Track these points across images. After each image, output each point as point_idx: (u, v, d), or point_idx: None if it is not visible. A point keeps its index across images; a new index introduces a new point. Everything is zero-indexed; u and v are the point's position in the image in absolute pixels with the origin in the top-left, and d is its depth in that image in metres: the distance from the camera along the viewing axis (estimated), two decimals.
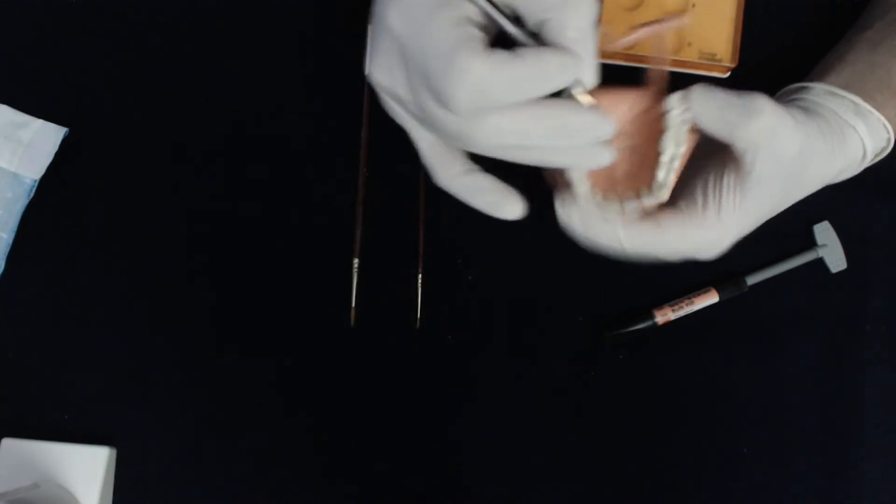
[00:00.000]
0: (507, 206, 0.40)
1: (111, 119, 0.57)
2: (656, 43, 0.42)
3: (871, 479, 0.53)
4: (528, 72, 0.35)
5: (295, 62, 0.57)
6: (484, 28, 0.37)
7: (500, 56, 0.35)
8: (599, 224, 0.40)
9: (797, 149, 0.40)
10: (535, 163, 0.39)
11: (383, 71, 0.39)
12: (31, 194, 0.55)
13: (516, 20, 0.38)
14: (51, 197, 0.56)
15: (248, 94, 0.57)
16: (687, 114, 0.40)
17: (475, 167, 0.41)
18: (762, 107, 0.38)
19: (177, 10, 0.57)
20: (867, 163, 0.47)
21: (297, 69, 0.57)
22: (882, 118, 0.45)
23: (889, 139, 0.46)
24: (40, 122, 0.56)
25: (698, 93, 0.39)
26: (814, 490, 0.53)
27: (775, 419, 0.53)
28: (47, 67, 0.57)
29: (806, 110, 0.45)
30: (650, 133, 0.41)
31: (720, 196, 0.41)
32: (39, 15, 0.58)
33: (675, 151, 0.41)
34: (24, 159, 0.55)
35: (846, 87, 0.46)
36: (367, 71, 0.40)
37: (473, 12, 0.37)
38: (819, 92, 0.46)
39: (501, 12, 0.37)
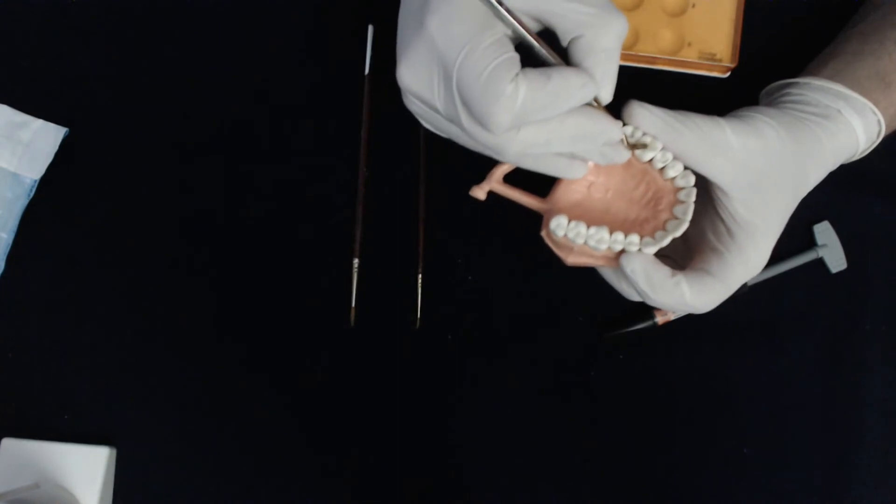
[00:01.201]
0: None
1: (111, 119, 0.57)
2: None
3: (871, 479, 0.53)
4: (557, 92, 0.37)
5: (296, 63, 0.57)
6: (514, 40, 0.38)
7: (535, 80, 0.36)
8: (666, 284, 0.41)
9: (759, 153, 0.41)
10: (553, 172, 0.42)
11: (416, 76, 0.39)
12: (31, 194, 0.56)
13: (545, 32, 0.39)
14: (51, 197, 0.56)
15: (249, 94, 0.57)
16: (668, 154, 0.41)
17: None
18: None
19: (176, 11, 0.57)
20: (864, 147, 0.47)
21: (298, 70, 0.57)
22: (868, 102, 0.46)
23: (880, 122, 0.46)
24: (40, 122, 0.56)
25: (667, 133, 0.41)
26: (814, 490, 0.53)
27: (775, 419, 0.53)
28: (47, 67, 0.57)
29: (781, 106, 0.46)
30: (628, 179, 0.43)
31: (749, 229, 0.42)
32: (39, 15, 0.58)
33: (688, 187, 0.42)
34: (24, 159, 0.55)
35: (833, 78, 0.47)
36: (398, 73, 0.39)
37: (507, 29, 0.38)
38: (802, 85, 0.47)
39: (527, 30, 0.38)
